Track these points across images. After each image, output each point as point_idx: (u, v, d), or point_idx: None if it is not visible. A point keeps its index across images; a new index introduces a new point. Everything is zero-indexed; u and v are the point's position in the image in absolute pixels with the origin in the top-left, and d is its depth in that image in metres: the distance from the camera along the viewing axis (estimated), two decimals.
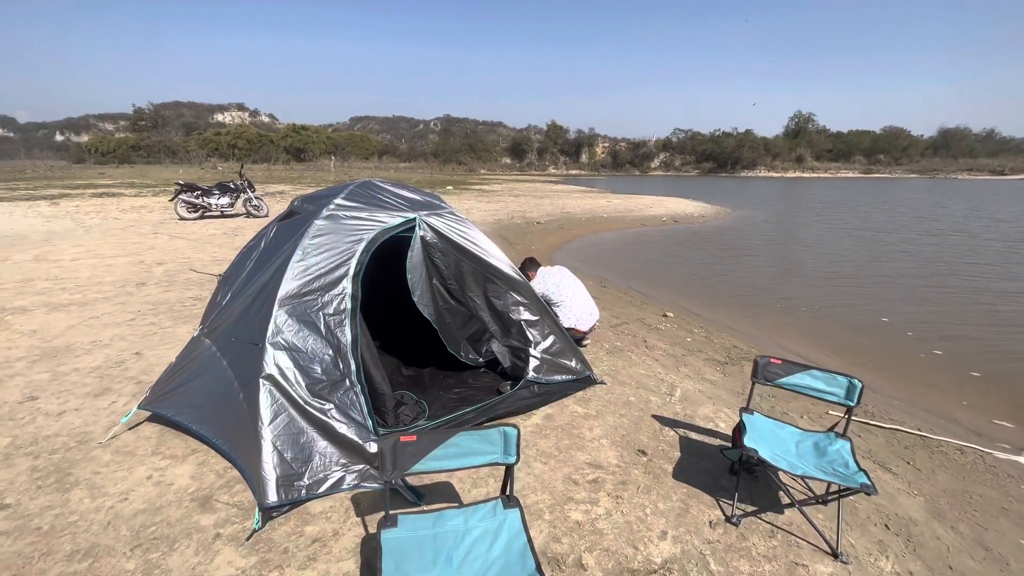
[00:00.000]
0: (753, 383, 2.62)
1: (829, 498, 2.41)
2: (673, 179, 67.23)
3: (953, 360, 5.18)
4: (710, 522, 2.30)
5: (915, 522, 2.45)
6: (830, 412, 3.65)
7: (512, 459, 1.84)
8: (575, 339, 4.37)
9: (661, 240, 13.19)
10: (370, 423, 2.58)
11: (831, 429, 2.54)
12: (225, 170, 38.72)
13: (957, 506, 2.64)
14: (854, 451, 2.37)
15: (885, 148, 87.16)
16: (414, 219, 3.15)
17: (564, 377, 3.50)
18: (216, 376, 2.78)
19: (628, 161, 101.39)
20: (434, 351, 3.74)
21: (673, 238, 13.54)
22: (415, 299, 3.22)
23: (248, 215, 13.22)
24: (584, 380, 3.63)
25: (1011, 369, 4.95)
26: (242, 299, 2.90)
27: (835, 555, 2.13)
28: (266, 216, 13.36)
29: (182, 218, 12.59)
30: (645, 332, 5.24)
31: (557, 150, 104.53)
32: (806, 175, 76.01)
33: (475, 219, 14.83)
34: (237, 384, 2.61)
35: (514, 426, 1.85)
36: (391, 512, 1.76)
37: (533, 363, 3.38)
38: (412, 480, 2.43)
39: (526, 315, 3.44)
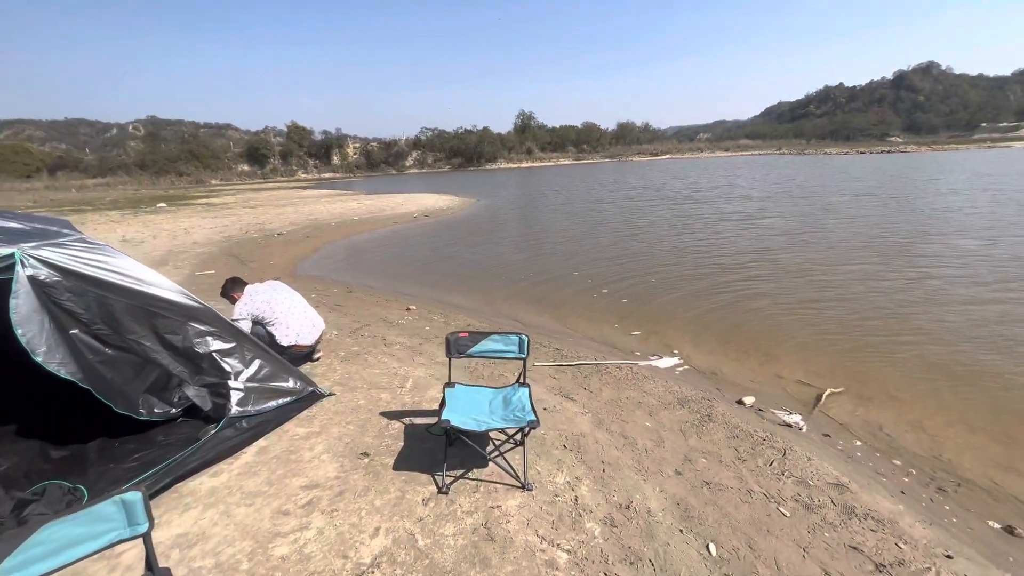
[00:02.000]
0: (449, 359, 2.87)
1: (518, 440, 2.83)
2: (428, 176, 69.79)
3: (612, 296, 6.81)
4: (423, 500, 2.43)
5: (583, 435, 3.09)
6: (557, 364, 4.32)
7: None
8: (301, 355, 4.09)
9: (410, 236, 13.52)
10: None
11: (519, 380, 2.98)
12: None
13: (612, 412, 3.45)
14: (531, 395, 2.83)
15: (586, 139, 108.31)
16: (11, 255, 2.37)
17: (281, 401, 3.21)
18: None
19: (383, 160, 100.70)
20: (109, 416, 2.96)
21: (422, 233, 14.05)
22: (40, 360, 2.46)
23: None
24: (308, 397, 3.41)
25: (640, 290, 6.80)
26: None
27: (523, 486, 2.51)
28: None
29: None
30: (385, 330, 5.26)
31: (304, 153, 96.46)
32: (536, 164, 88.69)
33: (198, 238, 12.54)
34: None
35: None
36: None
37: (236, 396, 3.00)
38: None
39: (217, 344, 3.00)
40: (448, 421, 2.44)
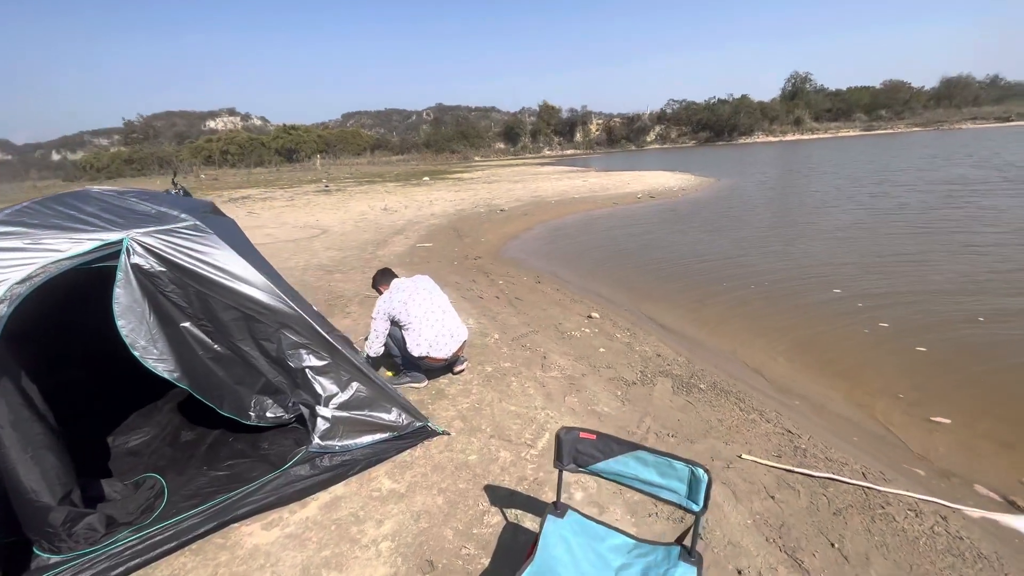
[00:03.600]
0: (560, 472, 1.69)
1: None
2: (668, 152, 65.31)
3: (899, 338, 4.22)
4: None
5: None
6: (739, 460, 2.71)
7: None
8: (437, 367, 3.47)
9: (627, 220, 12.13)
10: None
11: (680, 539, 1.61)
12: (207, 178, 38.00)
13: None
14: None
15: (886, 103, 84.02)
16: (119, 241, 2.23)
17: (378, 437, 2.60)
18: None
19: (623, 137, 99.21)
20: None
21: (640, 216, 12.47)
22: (138, 356, 2.32)
23: None
24: (415, 433, 2.72)
25: (960, 336, 3.97)
26: None
27: None
28: None
29: None
30: (553, 343, 4.30)
31: (551, 131, 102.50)
32: (805, 137, 73.53)
33: (435, 211, 13.86)
34: None
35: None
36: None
37: (322, 426, 2.48)
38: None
39: (311, 360, 2.52)
40: None
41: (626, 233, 10.45)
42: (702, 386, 3.51)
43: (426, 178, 27.51)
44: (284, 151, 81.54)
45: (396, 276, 3.62)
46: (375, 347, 3.45)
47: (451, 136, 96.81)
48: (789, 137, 76.52)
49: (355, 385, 2.57)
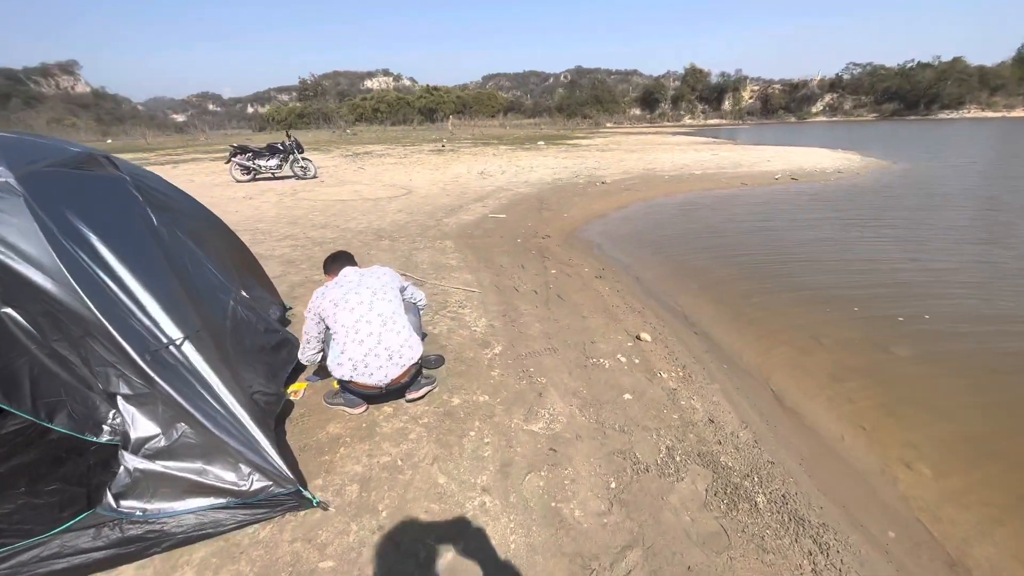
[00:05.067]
0: None
1: None
2: (837, 126, 55.09)
3: None
4: None
5: None
6: None
7: None
8: (371, 394, 2.60)
9: (751, 205, 9.84)
10: None
11: None
12: (352, 132, 41.22)
13: None
14: None
15: None
16: None
17: (207, 502, 1.83)
18: None
19: (782, 106, 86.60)
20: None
21: (772, 203, 10.04)
22: None
23: (296, 176, 13.03)
24: (272, 502, 1.91)
25: None
26: None
27: None
28: (314, 177, 13.09)
29: (237, 180, 12.83)
30: (566, 373, 3.17)
31: (695, 97, 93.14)
32: None
33: (530, 178, 12.85)
34: None
35: None
36: None
37: (122, 480, 1.77)
38: None
39: (122, 387, 1.79)
40: None
41: (741, 223, 8.40)
42: (759, 500, 2.16)
43: (541, 142, 26.35)
44: (426, 111, 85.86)
45: (351, 263, 2.79)
46: (307, 353, 2.70)
47: (584, 100, 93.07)
48: (1017, 112, 59.58)
49: (180, 426, 1.81)
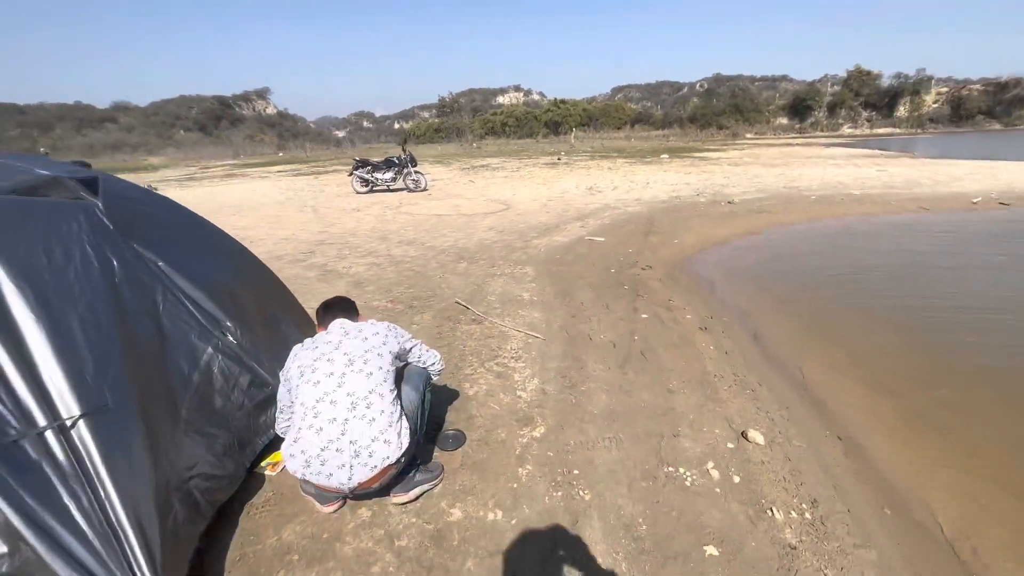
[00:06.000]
0: None
1: None
2: None
3: None
4: None
5: None
6: None
7: None
8: (331, 496, 1.98)
9: (937, 239, 7.51)
10: None
11: None
12: (477, 146, 43.08)
13: None
14: None
15: None
16: None
17: None
18: None
19: (982, 110, 71.09)
20: None
21: (969, 235, 7.59)
22: None
23: (407, 189, 13.46)
24: None
25: None
26: None
27: None
28: (424, 190, 13.40)
29: (356, 192, 13.65)
30: (621, 491, 2.23)
31: (859, 104, 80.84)
32: None
33: (644, 195, 11.68)
34: None
35: None
36: None
37: None
38: None
39: None
40: None
41: (917, 263, 6.37)
42: None
43: (664, 155, 24.47)
44: (551, 123, 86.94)
45: (346, 314, 2.22)
46: (281, 424, 2.18)
47: (721, 109, 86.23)
48: None
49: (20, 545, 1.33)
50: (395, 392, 2.00)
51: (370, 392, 1.88)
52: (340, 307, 2.23)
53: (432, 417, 2.64)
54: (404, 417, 1.99)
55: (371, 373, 1.92)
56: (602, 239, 7.58)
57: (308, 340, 2.09)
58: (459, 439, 2.54)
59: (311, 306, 4.64)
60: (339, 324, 2.13)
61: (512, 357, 3.53)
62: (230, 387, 2.24)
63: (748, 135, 74.34)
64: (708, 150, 30.10)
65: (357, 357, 1.94)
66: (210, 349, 2.20)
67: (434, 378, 2.39)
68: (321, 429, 1.81)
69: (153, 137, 75.11)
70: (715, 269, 6.35)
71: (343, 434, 1.81)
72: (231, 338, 2.34)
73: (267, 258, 6.76)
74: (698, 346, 3.86)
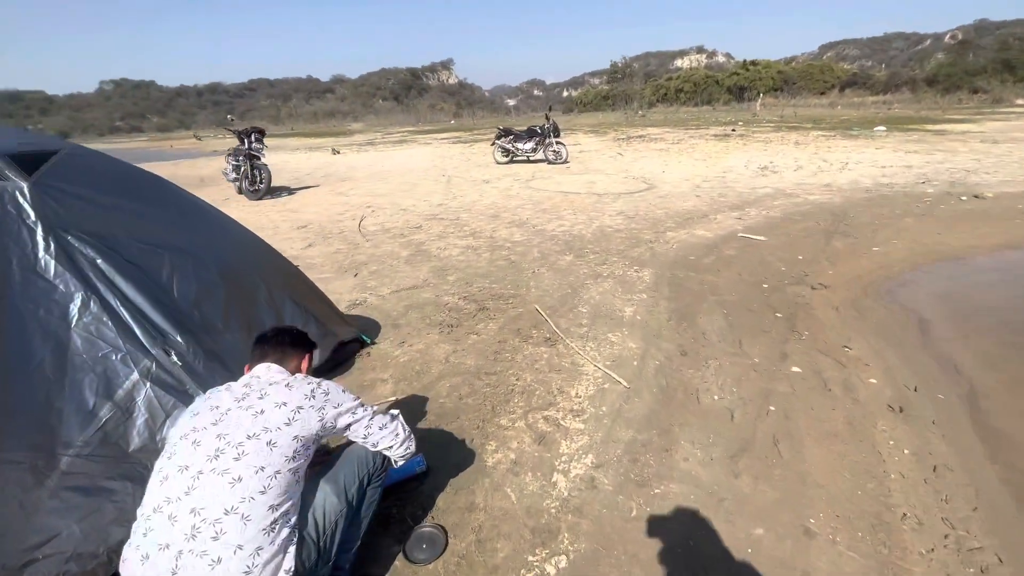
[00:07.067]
0: None
1: None
2: None
3: None
4: None
5: None
6: None
7: None
8: None
9: None
10: None
11: None
12: (641, 114, 40.15)
13: None
14: None
15: None
16: None
17: None
18: None
19: None
20: None
21: None
22: None
23: (547, 161, 12.65)
24: None
25: None
26: None
27: None
28: (564, 163, 12.47)
29: (497, 162, 13.32)
30: None
31: None
32: None
33: (838, 181, 9.08)
34: None
35: None
36: None
37: None
38: None
39: None
40: None
41: None
42: None
43: (880, 128, 19.14)
44: (735, 89, 76.63)
45: (285, 356, 1.56)
46: None
47: (979, 67, 65.56)
48: None
49: None
50: (286, 506, 1.27)
51: (227, 512, 1.18)
52: (273, 344, 1.56)
53: (411, 496, 1.89)
54: (292, 548, 1.26)
55: (239, 478, 1.21)
56: (762, 238, 5.83)
57: (213, 389, 1.48)
58: (435, 544, 1.74)
59: (381, 294, 4.25)
60: (257, 373, 1.48)
61: (572, 411, 2.57)
62: (157, 423, 1.78)
63: (1019, 101, 55.44)
64: (949, 121, 22.82)
65: (231, 444, 1.26)
66: (135, 375, 1.75)
67: (396, 462, 1.62)
68: (147, 557, 1.17)
69: (359, 106, 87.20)
70: (937, 302, 4.27)
71: (173, 574, 1.15)
72: (174, 358, 1.87)
73: (375, 229, 6.72)
74: (881, 445, 2.38)
